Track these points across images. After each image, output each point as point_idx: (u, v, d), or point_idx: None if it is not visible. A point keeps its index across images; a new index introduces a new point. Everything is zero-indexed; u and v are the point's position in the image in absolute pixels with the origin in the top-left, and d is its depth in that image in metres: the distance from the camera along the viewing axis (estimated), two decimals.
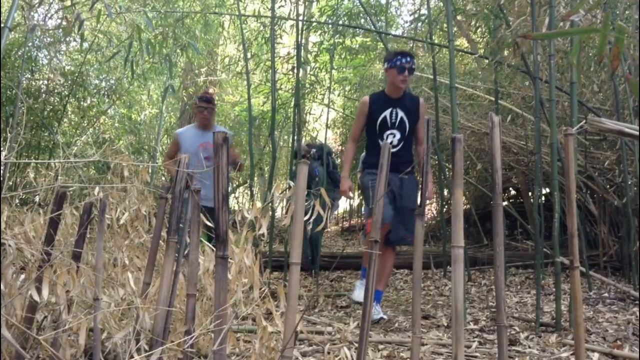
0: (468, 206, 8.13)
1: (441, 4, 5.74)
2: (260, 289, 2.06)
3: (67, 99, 7.24)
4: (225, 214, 1.90)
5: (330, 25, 6.78)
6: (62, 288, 1.89)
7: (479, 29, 5.59)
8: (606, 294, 4.61)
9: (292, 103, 6.18)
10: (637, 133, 3.37)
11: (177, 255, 2.03)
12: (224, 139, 1.85)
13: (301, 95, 6.09)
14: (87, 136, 7.93)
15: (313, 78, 7.63)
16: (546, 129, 5.07)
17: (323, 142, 6.36)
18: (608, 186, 5.89)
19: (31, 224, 2.50)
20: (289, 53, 7.23)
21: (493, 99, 5.24)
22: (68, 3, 5.73)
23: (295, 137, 5.49)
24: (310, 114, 8.77)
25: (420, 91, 6.98)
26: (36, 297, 1.85)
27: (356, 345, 3.08)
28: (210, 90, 6.44)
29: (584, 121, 2.66)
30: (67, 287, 1.93)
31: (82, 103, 7.68)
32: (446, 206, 7.97)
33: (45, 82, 7.39)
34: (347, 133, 8.77)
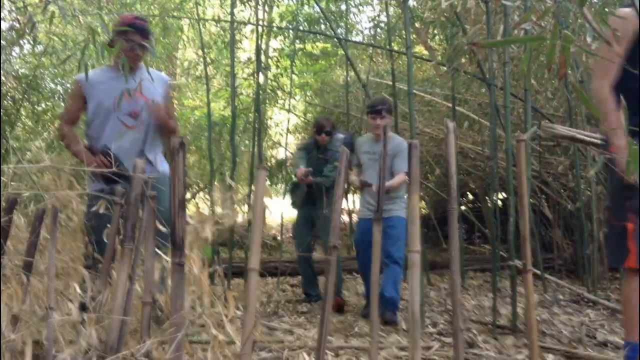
0: (427, 211, 8.24)
1: (399, 11, 5.81)
2: (210, 297, 2.03)
3: (20, 102, 7.04)
4: (182, 220, 1.88)
5: (290, 31, 6.79)
6: (5, 304, 1.83)
7: (437, 37, 5.69)
8: (561, 296, 4.72)
9: (253, 108, 6.14)
10: (589, 139, 3.47)
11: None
12: (181, 143, 1.83)
13: (262, 100, 6.06)
14: (41, 141, 7.72)
15: (274, 83, 7.61)
16: (502, 135, 5.17)
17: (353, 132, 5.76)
18: (562, 190, 6.05)
19: None
20: (249, 58, 7.21)
21: (450, 105, 5.32)
22: (20, 5, 5.58)
23: (256, 142, 5.46)
24: (271, 119, 8.75)
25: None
26: None
27: (315, 350, 3.08)
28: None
29: (536, 127, 2.73)
30: (11, 302, 1.87)
31: (36, 107, 7.48)
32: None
33: None
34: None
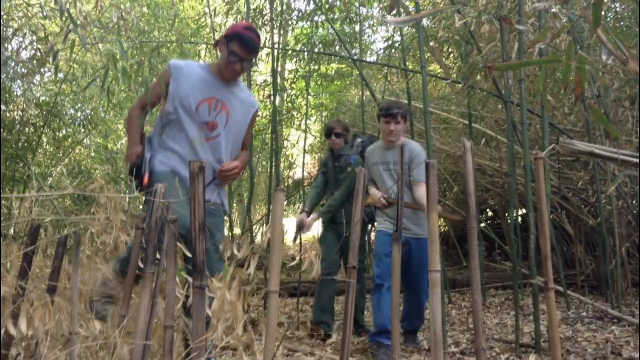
0: (446, 228, 8.19)
1: (413, 30, 5.85)
2: (242, 323, 2.04)
3: (42, 129, 7.17)
4: (202, 243, 1.89)
5: (305, 53, 6.86)
6: (40, 322, 1.86)
7: (451, 55, 5.70)
8: (584, 313, 4.65)
9: (270, 129, 6.19)
10: (608, 154, 3.44)
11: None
12: (200, 167, 1.85)
13: (278, 121, 6.11)
14: (62, 167, 7.84)
15: (290, 104, 7.68)
16: (519, 151, 5.15)
17: (374, 135, 5.03)
18: (582, 206, 5.99)
19: (5, 258, 2.46)
20: (265, 80, 7.29)
21: (467, 122, 5.32)
22: (42, 35, 5.72)
23: (273, 163, 5.49)
24: (287, 139, 8.80)
25: None
26: (12, 331, 1.81)
27: None
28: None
29: (554, 144, 2.72)
30: (43, 321, 1.90)
31: (57, 133, 7.61)
32: None
33: (20, 113, 7.31)
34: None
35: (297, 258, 8.19)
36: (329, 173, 4.59)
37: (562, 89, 3.73)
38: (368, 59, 7.43)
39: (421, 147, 3.87)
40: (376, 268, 3.75)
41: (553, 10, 2.77)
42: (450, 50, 5.31)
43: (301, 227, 4.42)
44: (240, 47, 2.75)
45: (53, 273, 2.10)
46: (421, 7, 5.01)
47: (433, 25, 5.77)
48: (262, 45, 2.88)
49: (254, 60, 2.96)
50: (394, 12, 4.78)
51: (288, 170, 9.95)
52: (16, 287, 1.93)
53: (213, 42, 2.87)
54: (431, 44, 5.69)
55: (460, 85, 4.73)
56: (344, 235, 4.37)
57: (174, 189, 2.42)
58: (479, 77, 4.98)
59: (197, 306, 1.88)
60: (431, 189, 1.77)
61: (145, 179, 2.68)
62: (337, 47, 7.18)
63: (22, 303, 1.86)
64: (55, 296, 2.08)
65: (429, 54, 5.52)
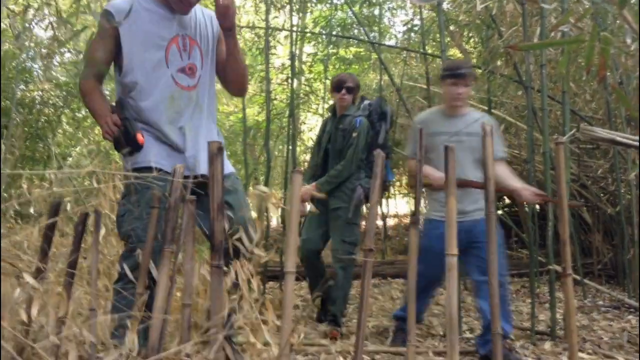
0: None
1: (434, 14, 5.79)
2: (253, 301, 2.05)
3: (61, 109, 7.24)
4: (221, 223, 1.91)
5: (324, 36, 6.83)
6: (53, 310, 1.87)
7: (472, 39, 5.64)
8: (601, 302, 4.63)
9: (287, 113, 6.18)
10: (629, 142, 3.40)
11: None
12: (219, 148, 1.86)
13: (296, 105, 6.10)
14: (82, 147, 7.91)
15: (307, 88, 7.66)
16: (539, 138, 5.10)
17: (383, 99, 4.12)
18: (601, 194, 5.92)
19: (25, 236, 2.50)
20: (283, 64, 7.27)
21: (486, 108, 5.27)
22: (64, 12, 5.74)
23: (290, 147, 5.49)
24: (305, 123, 8.79)
25: (415, 101, 7.02)
26: (25, 319, 1.82)
27: (352, 355, 3.09)
28: None
29: (575, 129, 2.69)
30: (56, 305, 1.92)
31: (76, 114, 7.67)
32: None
33: (40, 93, 7.39)
34: None
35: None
36: (327, 138, 3.91)
37: (584, 75, 3.60)
38: (387, 43, 7.37)
39: (488, 117, 3.48)
40: (420, 267, 3.13)
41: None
42: (470, 34, 5.25)
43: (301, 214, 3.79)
44: None
45: (72, 251, 2.13)
46: None
47: (454, 10, 5.71)
48: None
49: None
50: None
51: (304, 155, 9.96)
52: (36, 266, 1.95)
53: None
54: (451, 28, 5.64)
55: (481, 70, 4.68)
56: (335, 221, 3.77)
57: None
58: (499, 62, 4.92)
59: (215, 285, 1.90)
60: (450, 172, 1.76)
61: (140, 137, 2.21)
62: (356, 31, 7.14)
63: (37, 289, 1.87)
64: (75, 275, 2.11)
65: (449, 39, 5.47)
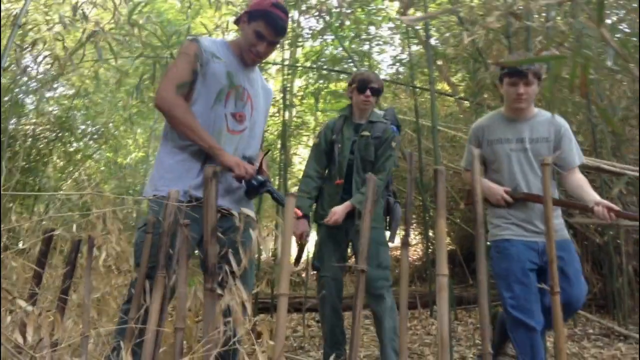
0: (453, 247, 8.17)
1: (421, 49, 5.93)
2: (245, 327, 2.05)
3: (53, 143, 7.27)
4: (214, 247, 1.93)
5: (314, 70, 6.95)
6: (46, 331, 1.88)
7: (459, 73, 5.76)
8: (591, 330, 4.64)
9: (279, 144, 6.23)
10: (615, 170, 3.48)
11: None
12: (214, 172, 1.89)
13: (287, 136, 6.17)
14: (72, 180, 7.93)
15: (299, 120, 7.76)
16: None
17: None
18: (589, 224, 5.98)
19: (16, 267, 2.50)
20: (274, 97, 7.38)
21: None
22: (60, 46, 5.83)
23: (282, 177, 5.54)
24: (296, 154, 8.86)
25: (404, 133, 7.11)
26: (20, 340, 1.82)
27: None
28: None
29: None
30: (51, 331, 1.92)
31: (68, 147, 7.71)
32: (431, 247, 8.02)
33: (32, 127, 7.43)
34: None
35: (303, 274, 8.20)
36: (349, 147, 3.33)
37: (571, 106, 3.57)
38: None
39: (563, 119, 3.00)
40: (509, 296, 2.77)
41: (559, 21, 2.82)
42: (458, 67, 5.37)
43: (302, 239, 3.38)
44: (266, 27, 2.33)
45: (65, 278, 2.13)
46: (430, 26, 5.08)
47: (441, 44, 5.85)
48: (288, 28, 2.44)
49: (278, 44, 2.53)
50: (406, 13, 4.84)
51: (296, 187, 10.01)
52: (28, 293, 1.95)
53: (234, 19, 2.46)
54: (439, 62, 5.77)
55: (468, 102, 4.78)
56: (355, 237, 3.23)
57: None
58: (486, 95, 5.03)
59: (209, 308, 1.91)
60: (439, 195, 1.80)
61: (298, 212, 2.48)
62: (346, 66, 7.28)
63: (30, 313, 1.87)
64: (68, 302, 2.11)
65: (437, 73, 5.59)
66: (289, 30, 5.95)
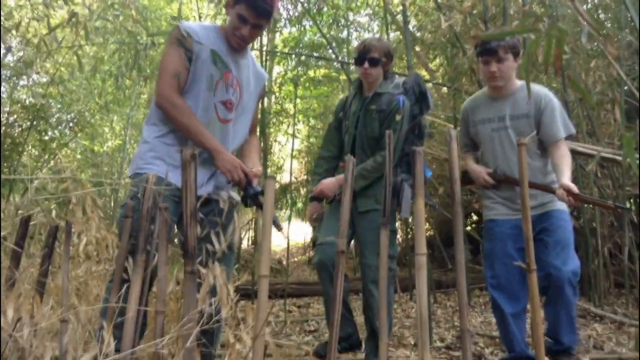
0: (432, 232, 8.25)
1: (400, 35, 5.94)
2: (230, 307, 2.07)
3: (28, 132, 7.16)
4: (194, 229, 1.93)
5: (293, 56, 6.93)
6: (26, 313, 1.86)
7: (437, 59, 5.79)
8: None
9: (258, 131, 6.21)
10: (588, 152, 3.53)
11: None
12: (192, 155, 1.88)
13: (266, 123, 6.15)
14: (48, 169, 7.82)
15: (279, 106, 7.75)
16: None
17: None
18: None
19: None
20: None
21: (452, 126, 5.40)
22: (30, 36, 5.73)
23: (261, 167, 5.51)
24: (276, 141, 8.85)
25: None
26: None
27: None
28: None
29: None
30: (31, 312, 1.91)
31: (43, 135, 7.59)
32: (410, 232, 8.08)
33: (6, 115, 7.30)
34: (314, 162, 8.84)
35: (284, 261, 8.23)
36: (354, 122, 3.14)
37: (545, 69, 3.35)
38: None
39: (547, 90, 2.88)
40: (490, 275, 2.85)
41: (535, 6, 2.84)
42: (436, 53, 5.39)
43: (312, 220, 3.32)
44: (248, 9, 2.30)
45: (43, 261, 2.12)
46: (409, 12, 5.08)
47: (418, 31, 5.87)
48: (276, 9, 2.38)
49: (265, 27, 2.45)
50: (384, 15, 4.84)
51: (275, 175, 9.99)
52: (6, 276, 1.94)
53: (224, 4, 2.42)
54: (417, 48, 5.79)
55: (446, 88, 4.81)
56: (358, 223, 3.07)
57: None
58: (464, 80, 5.06)
59: (189, 290, 1.91)
60: (417, 175, 1.82)
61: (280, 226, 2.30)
62: (325, 54, 7.28)
63: (10, 291, 1.87)
64: (46, 285, 2.09)
65: (415, 60, 5.61)
66: None
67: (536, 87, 2.83)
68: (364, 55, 3.04)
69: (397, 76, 3.24)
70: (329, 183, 3.10)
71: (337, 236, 2.51)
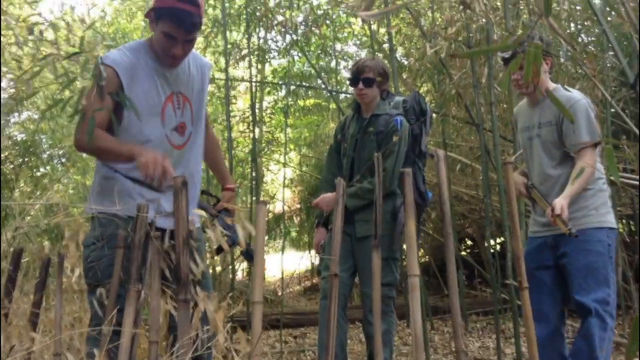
0: (427, 258, 8.24)
1: (386, 62, 6.02)
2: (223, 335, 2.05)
3: (19, 168, 7.16)
4: (186, 257, 1.93)
5: (283, 86, 7.00)
6: (17, 341, 1.86)
7: (424, 85, 5.87)
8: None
9: (250, 158, 6.24)
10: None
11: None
12: (183, 182, 1.89)
13: (258, 152, 6.19)
14: (40, 206, 7.79)
15: (270, 135, 7.81)
16: (494, 177, 5.27)
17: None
18: None
19: None
20: (244, 112, 7.41)
21: (442, 151, 5.46)
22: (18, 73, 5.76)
23: (254, 198, 5.53)
24: (268, 169, 8.88)
25: None
26: None
27: None
28: None
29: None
30: (23, 341, 1.90)
31: (35, 172, 7.59)
32: (405, 259, 8.07)
33: None
34: (307, 190, 8.85)
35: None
36: (352, 144, 3.08)
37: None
38: (344, 91, 7.61)
39: (580, 95, 2.66)
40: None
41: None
42: (422, 79, 5.47)
43: (318, 248, 3.24)
44: (173, 27, 2.06)
45: (36, 292, 2.11)
46: (395, 41, 5.17)
47: (404, 58, 5.96)
48: (203, 12, 2.15)
49: (196, 37, 2.22)
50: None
51: (268, 204, 9.98)
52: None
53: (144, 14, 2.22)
54: (404, 75, 5.87)
55: (434, 115, 4.86)
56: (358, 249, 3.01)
57: None
58: (452, 106, 5.14)
59: (183, 319, 1.90)
60: (407, 196, 1.83)
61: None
62: (314, 83, 7.37)
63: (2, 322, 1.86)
64: (39, 319, 2.08)
65: (403, 88, 5.69)
66: (256, 47, 6.01)
67: (565, 92, 2.58)
68: (357, 75, 3.00)
69: (396, 96, 3.18)
70: (325, 197, 3.03)
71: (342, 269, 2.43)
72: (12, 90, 6.75)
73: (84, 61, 2.02)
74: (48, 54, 2.24)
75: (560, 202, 2.43)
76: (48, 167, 7.87)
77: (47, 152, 7.93)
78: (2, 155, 7.31)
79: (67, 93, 2.19)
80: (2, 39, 5.82)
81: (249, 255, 2.30)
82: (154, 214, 2.10)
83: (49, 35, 2.45)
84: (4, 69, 5.78)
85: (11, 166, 7.23)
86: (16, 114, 7.23)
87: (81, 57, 2.03)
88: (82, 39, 2.05)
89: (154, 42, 2.17)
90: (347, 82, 3.17)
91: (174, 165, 2.18)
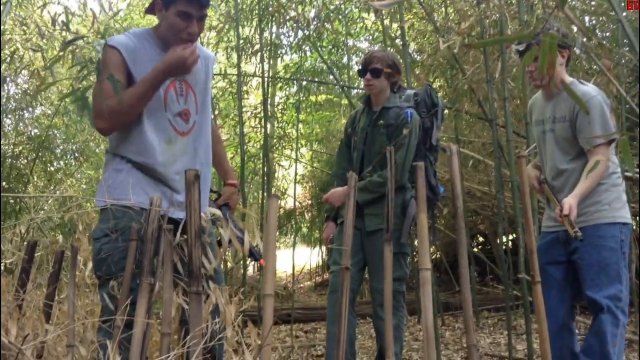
0: (438, 255, 8.22)
1: (400, 58, 5.99)
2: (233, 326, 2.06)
3: (33, 163, 7.22)
4: (198, 250, 1.93)
5: (295, 82, 7.00)
6: (32, 332, 1.87)
7: (437, 80, 5.84)
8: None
9: (261, 154, 6.25)
10: None
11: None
12: (196, 175, 1.90)
13: (269, 147, 6.21)
14: (54, 200, 7.86)
15: (281, 131, 7.81)
16: (507, 174, 5.24)
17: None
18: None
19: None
20: (255, 107, 7.41)
21: (455, 145, 5.43)
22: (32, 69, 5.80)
23: (265, 193, 5.54)
24: (279, 164, 8.89)
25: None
26: (4, 340, 1.81)
27: None
28: None
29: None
30: (36, 331, 1.92)
31: (48, 166, 7.65)
32: (416, 255, 8.05)
33: (11, 147, 7.37)
34: (318, 186, 8.86)
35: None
36: (363, 137, 3.05)
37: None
38: (356, 87, 7.59)
39: (596, 90, 2.56)
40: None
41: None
42: (435, 75, 5.44)
43: (328, 242, 3.20)
44: (189, 4, 2.09)
45: (49, 284, 2.13)
46: (407, 36, 5.14)
47: (417, 53, 5.93)
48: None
49: (207, 15, 2.23)
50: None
51: (280, 199, 10.00)
52: (14, 296, 1.95)
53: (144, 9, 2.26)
54: (417, 71, 5.85)
55: (447, 110, 4.84)
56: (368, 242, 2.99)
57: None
58: (465, 102, 5.10)
59: (194, 312, 1.91)
60: (419, 190, 1.83)
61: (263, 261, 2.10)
62: (325, 78, 7.37)
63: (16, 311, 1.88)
64: (52, 311, 2.10)
65: (416, 83, 5.67)
66: (268, 42, 6.01)
67: (581, 87, 2.53)
68: (366, 66, 2.99)
69: (407, 90, 3.14)
70: (336, 192, 3.01)
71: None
72: (26, 86, 6.82)
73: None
74: (72, 38, 2.26)
75: (569, 202, 2.40)
76: (62, 162, 7.93)
77: (61, 147, 8.00)
78: (16, 150, 7.39)
79: (84, 83, 2.18)
80: (15, 36, 5.87)
81: (253, 255, 2.33)
82: (167, 205, 2.11)
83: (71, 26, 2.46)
84: (17, 63, 5.83)
85: (25, 161, 7.29)
86: (30, 109, 7.27)
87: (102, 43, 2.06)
88: (106, 25, 2.09)
89: (164, 29, 2.19)
90: (358, 76, 3.10)
91: (180, 154, 2.24)
